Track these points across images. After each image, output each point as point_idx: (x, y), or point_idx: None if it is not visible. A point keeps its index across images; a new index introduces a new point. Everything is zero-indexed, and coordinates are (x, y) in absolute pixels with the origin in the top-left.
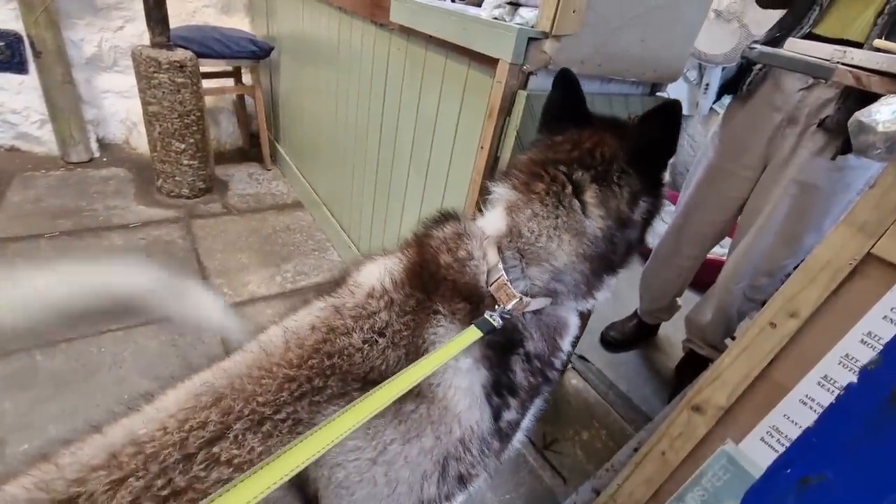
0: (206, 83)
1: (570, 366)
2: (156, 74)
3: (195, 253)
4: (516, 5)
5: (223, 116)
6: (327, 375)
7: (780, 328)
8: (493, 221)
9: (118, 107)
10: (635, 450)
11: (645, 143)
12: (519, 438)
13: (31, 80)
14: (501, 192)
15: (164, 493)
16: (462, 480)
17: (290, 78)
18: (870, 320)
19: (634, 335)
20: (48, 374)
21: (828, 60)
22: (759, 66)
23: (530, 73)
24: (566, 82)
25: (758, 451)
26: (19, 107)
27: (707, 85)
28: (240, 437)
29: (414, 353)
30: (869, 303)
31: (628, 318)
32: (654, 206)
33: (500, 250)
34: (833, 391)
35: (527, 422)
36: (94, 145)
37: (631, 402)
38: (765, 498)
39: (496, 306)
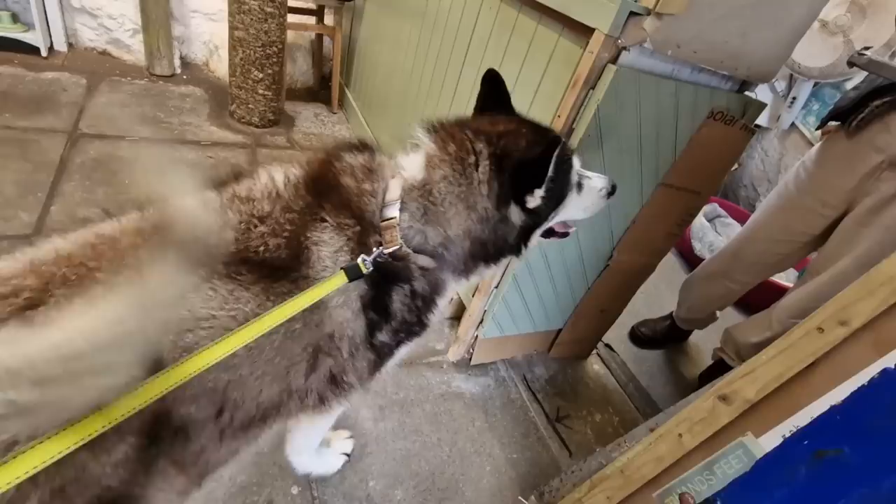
0: (290, 18)
1: (594, 351)
2: (247, 0)
3: None
4: None
5: (300, 54)
6: None
7: (827, 334)
8: (413, 165)
9: (203, 28)
10: (651, 430)
11: (520, 163)
12: (388, 368)
13: None
14: (427, 141)
15: None
16: (334, 382)
17: (372, 25)
18: None
19: (665, 336)
20: None
21: None
22: (876, 104)
23: (623, 49)
24: (493, 84)
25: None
26: (116, 13)
27: (794, 98)
28: None
29: (295, 247)
30: None
31: (662, 318)
32: (531, 223)
33: (404, 194)
34: None
35: (395, 360)
36: (177, 62)
37: (649, 398)
38: (776, 466)
39: (376, 247)
